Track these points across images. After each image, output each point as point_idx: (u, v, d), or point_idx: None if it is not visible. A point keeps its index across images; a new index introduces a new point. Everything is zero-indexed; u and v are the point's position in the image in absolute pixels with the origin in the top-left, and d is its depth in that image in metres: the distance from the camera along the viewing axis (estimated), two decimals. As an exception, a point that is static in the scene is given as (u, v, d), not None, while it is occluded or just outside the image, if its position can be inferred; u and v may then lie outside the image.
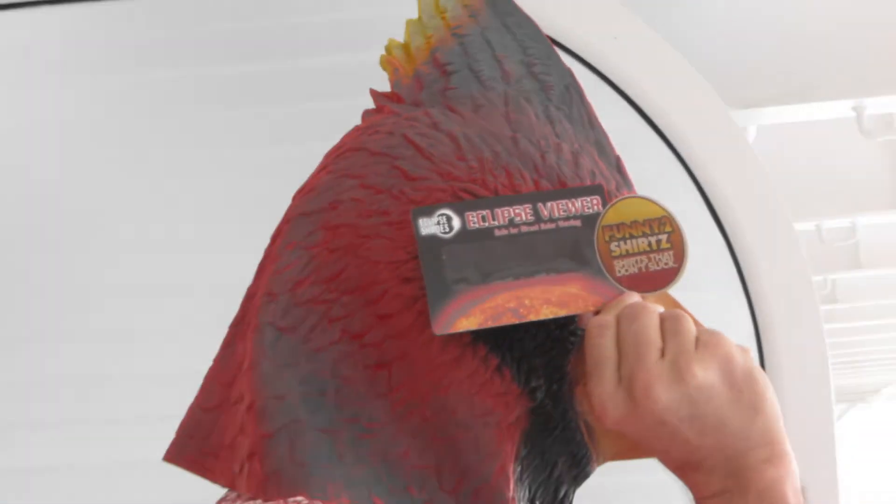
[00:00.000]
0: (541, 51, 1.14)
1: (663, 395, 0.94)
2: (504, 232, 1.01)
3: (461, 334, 0.98)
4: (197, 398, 1.04)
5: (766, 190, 1.82)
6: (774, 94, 4.27)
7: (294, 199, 1.06)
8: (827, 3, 4.34)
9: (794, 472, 0.97)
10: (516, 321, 0.99)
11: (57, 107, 2.10)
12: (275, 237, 1.05)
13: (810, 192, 6.26)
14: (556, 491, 1.04)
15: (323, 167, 1.08)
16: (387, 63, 1.12)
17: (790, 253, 1.81)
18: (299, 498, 0.91)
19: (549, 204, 1.01)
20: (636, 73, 1.78)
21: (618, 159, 1.09)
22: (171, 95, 2.02)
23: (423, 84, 1.10)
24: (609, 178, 1.06)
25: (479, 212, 1.01)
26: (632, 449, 1.03)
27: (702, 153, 1.77)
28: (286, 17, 1.89)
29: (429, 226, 1.00)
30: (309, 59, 1.83)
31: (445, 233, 1.00)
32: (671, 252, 1.01)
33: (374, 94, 1.11)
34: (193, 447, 1.03)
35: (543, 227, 1.01)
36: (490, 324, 0.97)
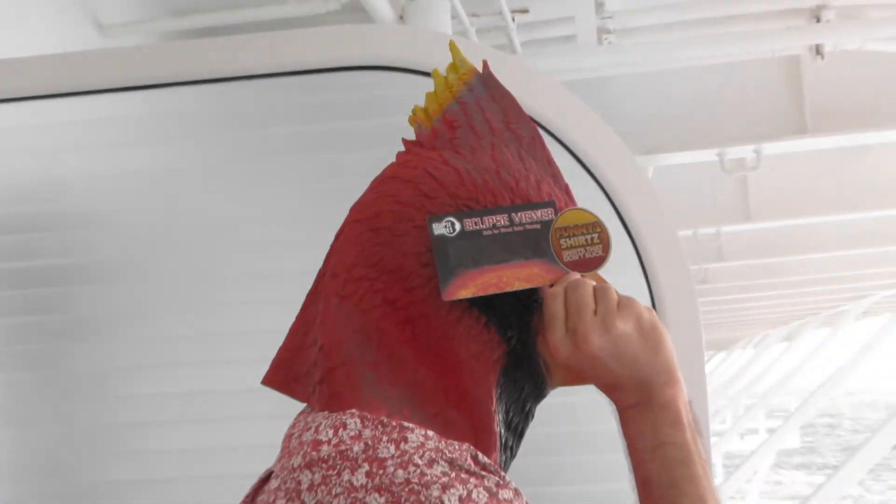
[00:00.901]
0: (516, 113, 1.30)
1: (596, 340, 1.16)
2: (490, 233, 1.22)
3: (461, 301, 1.20)
4: (284, 343, 1.28)
5: (658, 208, 1.96)
6: (664, 145, 4.74)
7: (350, 211, 1.28)
8: (695, 84, 4.92)
9: (684, 391, 1.21)
10: (497, 292, 1.21)
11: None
12: (338, 236, 1.28)
13: (689, 210, 6.99)
14: (524, 406, 1.26)
15: (370, 189, 1.28)
16: (413, 121, 1.30)
17: (674, 250, 1.96)
18: (353, 410, 1.15)
19: (519, 214, 1.23)
20: (573, 132, 1.91)
21: (567, 186, 1.30)
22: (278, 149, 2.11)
23: (437, 135, 1.29)
24: (560, 197, 1.27)
25: (473, 219, 1.22)
26: (575, 378, 1.25)
27: (616, 184, 1.92)
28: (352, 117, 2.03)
29: (439, 228, 1.21)
30: (365, 121, 1.98)
31: (450, 233, 1.21)
32: (600, 245, 1.23)
33: (405, 141, 1.31)
34: (282, 375, 1.25)
35: (516, 229, 1.23)
36: (480, 293, 1.20)
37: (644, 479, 1.20)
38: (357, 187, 1.29)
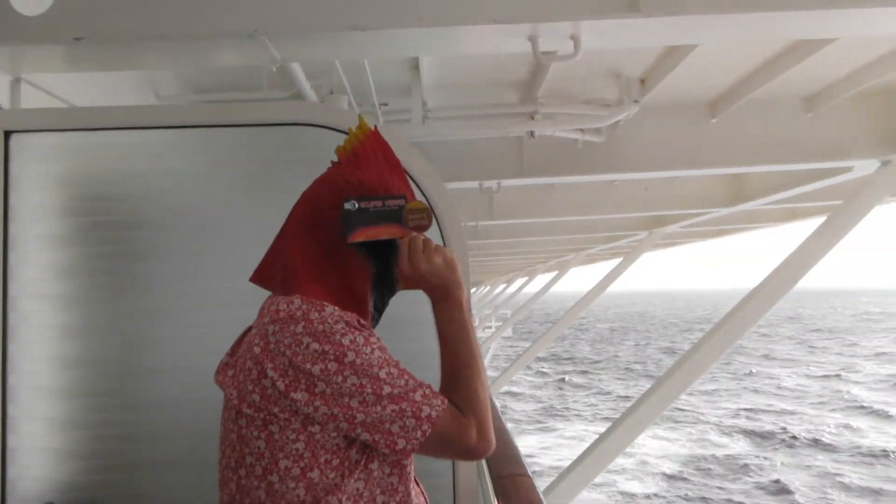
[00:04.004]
0: (389, 153, 1.46)
1: (423, 265, 1.37)
2: (374, 208, 1.38)
3: (359, 243, 1.36)
4: (262, 260, 1.42)
5: (452, 207, 2.12)
6: (453, 175, 5.38)
7: (303, 193, 1.41)
8: (463, 144, 5.40)
9: (465, 294, 1.42)
10: (375, 239, 1.37)
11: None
12: (295, 206, 1.41)
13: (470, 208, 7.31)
14: (383, 298, 1.44)
15: (315, 184, 1.42)
16: (338, 151, 1.44)
17: (455, 219, 2.12)
18: (297, 295, 1.32)
19: (389, 200, 1.38)
20: (413, 167, 2.05)
21: (412, 190, 1.45)
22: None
23: (349, 159, 1.43)
24: (409, 195, 1.42)
25: (365, 201, 1.37)
26: (411, 285, 1.42)
27: (435, 196, 2.10)
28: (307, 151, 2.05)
29: (348, 205, 1.37)
30: (308, 152, 2.03)
31: (353, 208, 1.37)
32: (427, 219, 1.40)
33: (333, 162, 1.44)
34: (260, 277, 1.43)
35: (387, 207, 1.38)
36: (366, 239, 1.36)
37: (444, 340, 1.38)
38: (302, 186, 1.42)
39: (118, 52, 2.33)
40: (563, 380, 35.15)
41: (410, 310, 1.63)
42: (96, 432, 2.09)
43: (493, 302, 31.63)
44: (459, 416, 1.29)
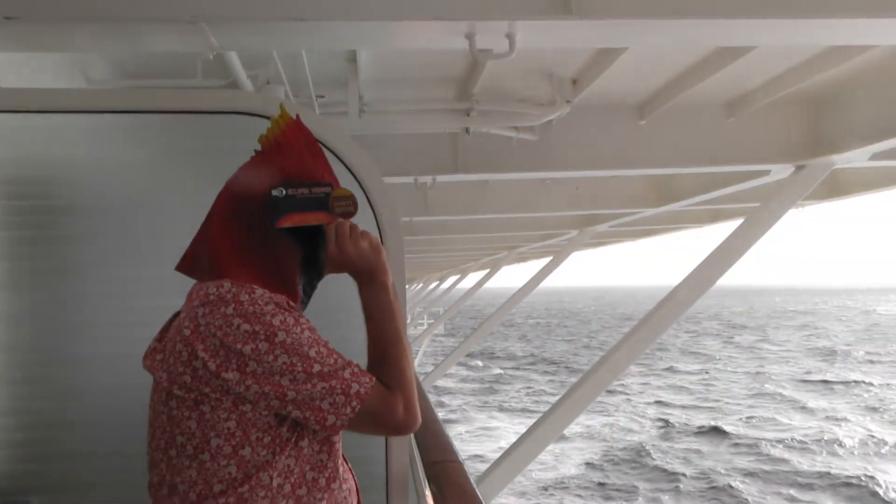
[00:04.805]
0: (312, 140, 1.47)
1: (350, 249, 1.42)
2: (301, 195, 1.40)
3: (286, 229, 1.39)
4: (189, 248, 1.44)
5: (388, 196, 2.16)
6: (389, 169, 5.38)
7: (228, 181, 1.44)
8: (404, 137, 5.38)
9: (390, 278, 1.46)
10: (302, 224, 1.40)
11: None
12: (221, 193, 1.43)
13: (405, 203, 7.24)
14: (312, 281, 1.47)
15: (240, 171, 1.46)
16: (261, 139, 1.46)
17: (393, 211, 2.16)
18: (226, 279, 1.34)
19: (315, 188, 1.41)
20: (348, 154, 2.10)
21: (335, 179, 1.47)
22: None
23: (272, 146, 1.45)
24: (335, 182, 1.45)
25: (292, 188, 1.40)
26: (338, 268, 1.46)
27: (373, 189, 2.13)
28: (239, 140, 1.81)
29: (276, 192, 1.40)
30: (234, 140, 1.87)
31: (281, 195, 1.40)
32: (352, 206, 1.44)
33: (256, 151, 1.47)
34: (188, 266, 1.44)
35: (314, 194, 1.41)
36: (293, 225, 1.39)
37: (371, 320, 1.43)
38: (230, 171, 1.45)
39: (50, 33, 2.28)
40: (491, 374, 35.77)
41: (339, 296, 1.65)
42: (24, 420, 2.06)
43: (426, 299, 31.78)
44: (387, 392, 1.33)
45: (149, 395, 1.37)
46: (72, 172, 2.10)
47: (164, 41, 2.33)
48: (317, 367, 1.27)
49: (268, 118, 1.88)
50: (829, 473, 17.92)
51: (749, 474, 18.13)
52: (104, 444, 2.02)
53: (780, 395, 29.36)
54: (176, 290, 1.47)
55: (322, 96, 4.18)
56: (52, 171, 2.10)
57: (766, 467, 18.74)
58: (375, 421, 1.31)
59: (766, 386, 31.58)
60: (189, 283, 1.43)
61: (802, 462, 19.19)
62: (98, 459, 2.03)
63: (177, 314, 1.38)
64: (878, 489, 16.59)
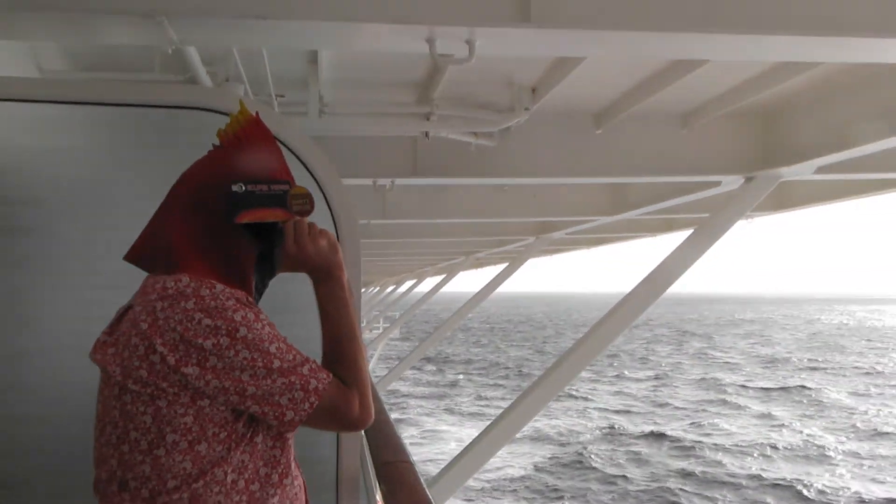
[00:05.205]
0: (270, 137, 1.47)
1: (310, 247, 1.43)
2: (260, 191, 1.40)
3: (244, 223, 1.39)
4: (140, 238, 1.42)
5: (345, 197, 2.17)
6: (348, 171, 5.36)
7: (184, 174, 1.43)
8: (358, 139, 5.33)
9: (345, 275, 1.47)
10: (260, 221, 1.40)
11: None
12: (176, 185, 1.41)
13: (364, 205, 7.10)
14: (264, 281, 1.47)
15: (199, 163, 1.44)
16: (219, 134, 1.46)
17: (351, 212, 2.17)
18: (184, 274, 1.33)
19: (274, 185, 1.41)
20: (307, 157, 2.10)
21: (292, 177, 1.46)
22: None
23: (230, 141, 1.44)
24: (293, 180, 1.44)
25: (251, 184, 1.40)
26: (294, 266, 1.45)
27: (331, 190, 2.13)
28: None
29: (236, 187, 1.40)
30: (193, 136, 1.71)
31: (241, 191, 1.40)
32: (309, 204, 1.43)
33: (214, 145, 1.46)
34: (137, 256, 1.42)
35: (272, 191, 1.41)
36: (251, 221, 1.39)
37: (327, 317, 1.44)
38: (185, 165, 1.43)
39: (2, 20, 2.24)
40: (445, 379, 35.88)
41: (298, 297, 1.66)
42: (-34, 415, 1.97)
43: (382, 302, 31.73)
44: (344, 388, 1.34)
45: (96, 390, 1.34)
46: (20, 162, 2.06)
47: (121, 33, 2.30)
48: (277, 363, 1.27)
49: (227, 115, 1.82)
50: (760, 476, 18.54)
51: (686, 475, 18.67)
52: (49, 440, 1.99)
53: (723, 400, 29.95)
54: (123, 283, 1.46)
55: (282, 96, 4.16)
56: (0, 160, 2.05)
57: (702, 469, 19.26)
58: (332, 416, 1.32)
59: (710, 392, 32.18)
60: (138, 275, 1.41)
61: (734, 464, 19.76)
62: (43, 456, 1.99)
63: (128, 307, 1.36)
64: (803, 490, 17.23)
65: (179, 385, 1.25)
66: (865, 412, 27.36)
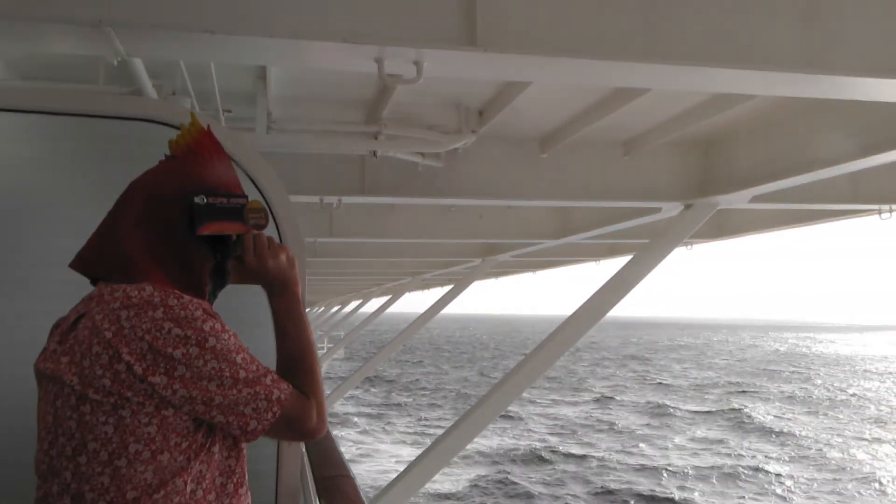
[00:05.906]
0: (221, 150, 1.50)
1: (270, 261, 1.48)
2: (219, 204, 1.43)
3: (203, 235, 1.41)
4: (86, 248, 1.41)
5: (292, 213, 2.18)
6: (295, 188, 5.34)
7: (136, 183, 1.43)
8: (311, 157, 5.30)
9: (300, 290, 1.52)
10: (219, 233, 1.43)
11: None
12: (126, 195, 1.41)
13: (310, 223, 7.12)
14: (215, 290, 1.49)
15: (151, 173, 1.45)
16: (171, 144, 1.48)
17: (297, 230, 2.19)
18: (146, 283, 1.34)
19: (233, 199, 1.45)
20: (255, 172, 2.13)
21: (245, 196, 1.48)
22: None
23: (182, 153, 1.46)
24: (249, 196, 1.47)
25: (211, 197, 1.43)
26: (249, 279, 1.50)
27: (278, 206, 2.16)
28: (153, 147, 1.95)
29: (197, 199, 1.42)
30: (140, 147, 1.81)
31: (202, 202, 1.42)
32: (265, 218, 1.47)
33: (166, 155, 1.48)
34: (85, 266, 1.41)
35: (231, 204, 1.44)
36: (210, 233, 1.42)
37: (283, 330, 1.47)
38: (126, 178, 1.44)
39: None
40: (387, 399, 35.84)
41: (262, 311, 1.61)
42: None
43: (327, 322, 31.51)
44: (303, 398, 1.37)
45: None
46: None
47: (65, 43, 2.27)
48: (242, 374, 1.29)
49: (174, 127, 1.97)
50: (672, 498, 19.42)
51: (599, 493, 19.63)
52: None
53: (649, 424, 30.77)
54: (63, 293, 1.45)
55: (229, 111, 4.14)
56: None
57: (617, 487, 20.22)
58: (291, 426, 1.35)
59: (639, 415, 32.80)
60: (77, 285, 1.40)
61: (644, 484, 20.66)
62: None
63: (80, 316, 1.33)
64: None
65: (145, 394, 1.24)
66: (783, 433, 28.97)
